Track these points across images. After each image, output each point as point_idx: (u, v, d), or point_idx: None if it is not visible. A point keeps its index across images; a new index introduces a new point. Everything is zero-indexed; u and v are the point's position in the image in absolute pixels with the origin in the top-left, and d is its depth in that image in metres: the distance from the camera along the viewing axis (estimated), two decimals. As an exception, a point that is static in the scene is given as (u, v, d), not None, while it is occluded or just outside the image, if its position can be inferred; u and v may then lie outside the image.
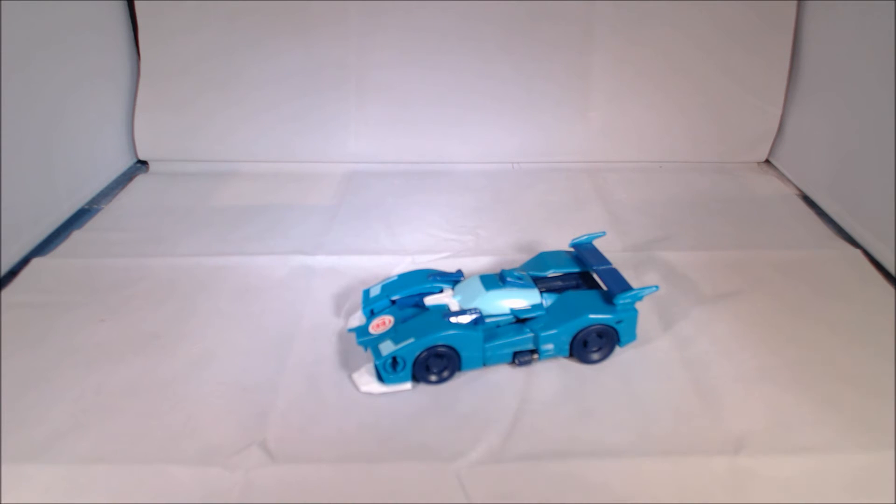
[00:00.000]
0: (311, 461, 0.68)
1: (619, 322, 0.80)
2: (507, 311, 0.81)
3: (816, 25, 1.29)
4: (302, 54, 1.34)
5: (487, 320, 0.80)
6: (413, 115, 1.37)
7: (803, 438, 0.70)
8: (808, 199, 1.24)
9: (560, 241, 0.96)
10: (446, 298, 0.83)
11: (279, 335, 0.86)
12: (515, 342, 0.79)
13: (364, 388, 0.76)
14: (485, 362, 0.79)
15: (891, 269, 1.00)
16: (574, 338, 0.79)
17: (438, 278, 0.86)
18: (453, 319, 0.78)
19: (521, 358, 0.79)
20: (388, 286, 0.86)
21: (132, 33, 1.35)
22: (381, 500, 0.64)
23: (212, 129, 1.36)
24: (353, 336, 0.82)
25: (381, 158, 1.37)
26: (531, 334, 0.79)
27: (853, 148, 1.14)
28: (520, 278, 0.83)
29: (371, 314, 0.84)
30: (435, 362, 0.77)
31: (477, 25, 1.34)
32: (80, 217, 1.17)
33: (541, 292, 0.82)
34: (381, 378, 0.76)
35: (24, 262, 1.01)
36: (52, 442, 0.69)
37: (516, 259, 1.00)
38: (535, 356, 0.80)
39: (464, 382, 0.78)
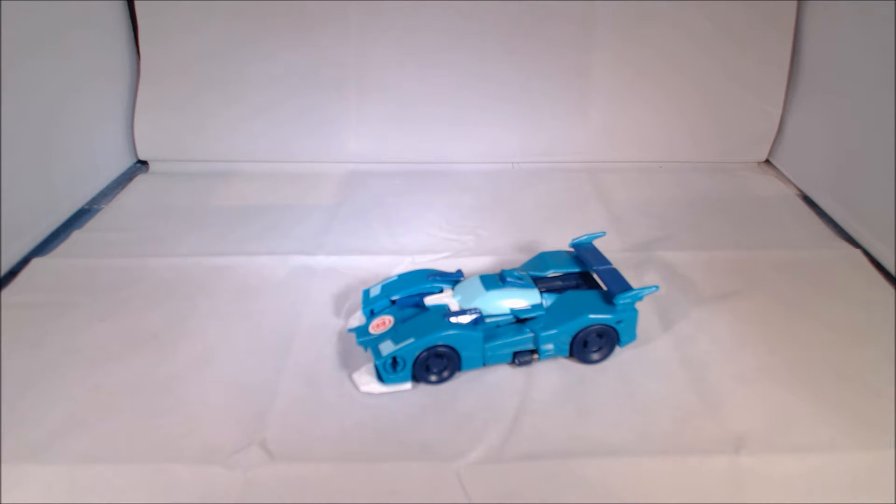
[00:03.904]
0: (311, 460, 0.68)
1: (619, 322, 0.80)
2: (507, 311, 0.81)
3: (816, 25, 1.29)
4: (302, 54, 1.34)
5: (487, 320, 0.80)
6: (413, 115, 1.37)
7: (803, 438, 0.70)
8: (808, 199, 1.24)
9: (560, 241, 0.96)
10: (446, 298, 0.83)
11: (279, 335, 0.86)
12: (515, 342, 0.79)
13: (364, 388, 0.76)
14: (485, 362, 0.79)
15: (891, 269, 1.00)
16: (574, 338, 0.79)
17: (438, 278, 0.86)
18: (453, 319, 0.78)
19: (521, 358, 0.79)
20: (388, 286, 0.86)
21: (132, 33, 1.35)
22: (380, 499, 0.64)
23: (212, 128, 1.36)
24: (353, 336, 0.82)
25: (381, 158, 1.37)
26: (531, 334, 0.79)
27: (853, 148, 1.14)
28: (520, 278, 0.83)
29: (371, 314, 0.84)
30: (435, 362, 0.77)
31: (477, 25, 1.34)
32: (80, 217, 1.17)
33: (541, 292, 0.82)
34: (381, 378, 0.76)
35: (24, 262, 1.01)
36: (52, 442, 0.69)
37: (516, 259, 1.00)
38: (535, 356, 0.80)
39: (464, 382, 0.78)
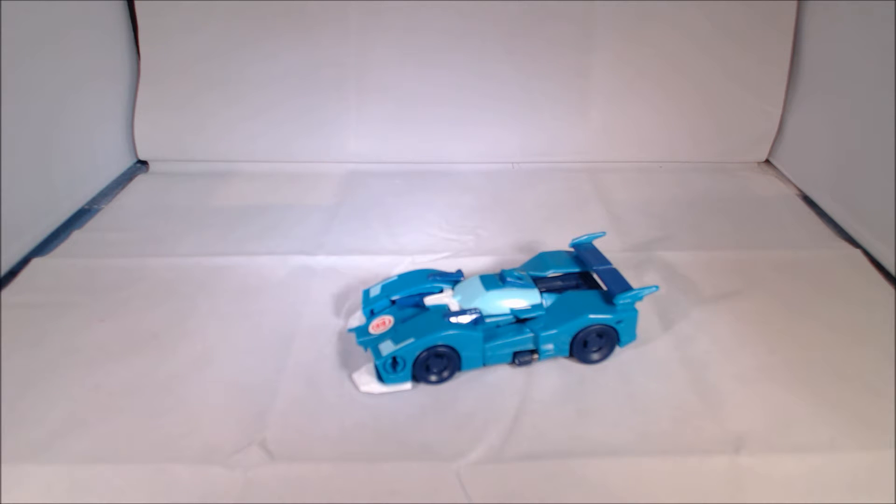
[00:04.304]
0: (311, 460, 0.68)
1: (619, 322, 0.80)
2: (507, 311, 0.81)
3: (816, 25, 1.29)
4: (302, 54, 1.34)
5: (487, 320, 0.80)
6: (413, 115, 1.37)
7: (803, 438, 0.70)
8: (808, 199, 1.24)
9: (560, 241, 0.96)
10: (446, 298, 0.83)
11: (279, 335, 0.86)
12: (515, 342, 0.79)
13: (364, 388, 0.76)
14: (485, 362, 0.79)
15: (891, 269, 1.00)
16: (574, 338, 0.79)
17: (438, 278, 0.86)
18: (453, 319, 0.78)
19: (521, 358, 0.79)
20: (388, 286, 0.86)
21: (132, 33, 1.35)
22: (380, 499, 0.64)
23: (212, 128, 1.36)
24: (353, 336, 0.82)
25: (381, 158, 1.37)
26: (531, 334, 0.79)
27: (853, 148, 1.14)
28: (520, 278, 0.83)
29: (371, 314, 0.84)
30: (435, 362, 0.77)
31: (477, 25, 1.34)
32: (80, 217, 1.17)
33: (541, 292, 0.82)
34: (381, 378, 0.76)
35: (24, 262, 1.01)
36: (52, 442, 0.69)
37: (516, 259, 1.00)
38: (535, 356, 0.80)
39: (464, 382, 0.78)
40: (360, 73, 1.36)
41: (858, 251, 1.05)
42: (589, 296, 0.83)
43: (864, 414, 0.73)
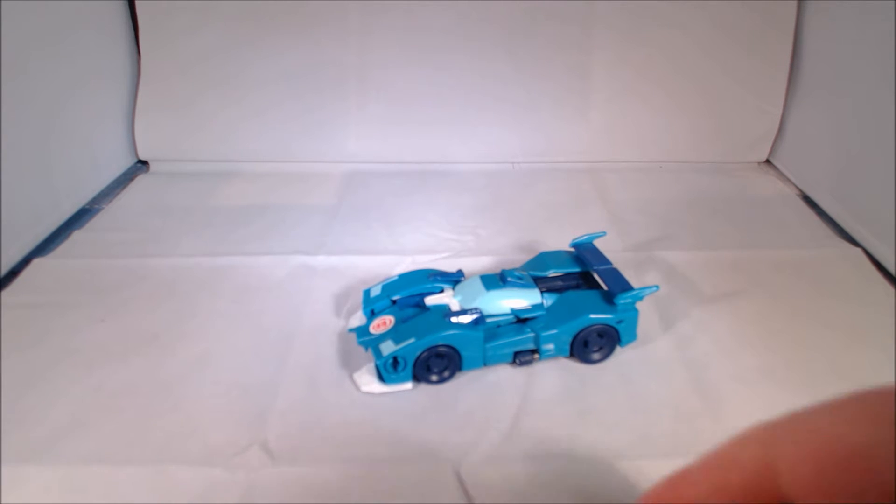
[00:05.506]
0: (312, 461, 0.68)
1: (619, 322, 0.80)
2: (508, 311, 0.81)
3: (816, 25, 1.29)
4: (302, 54, 1.34)
5: (488, 320, 0.80)
6: (413, 115, 1.37)
7: (804, 438, 0.70)
8: (808, 199, 1.24)
9: (560, 241, 0.96)
10: (447, 298, 0.83)
11: (279, 335, 0.86)
12: (516, 342, 0.79)
13: (365, 388, 0.76)
14: (485, 362, 0.79)
15: (891, 269, 1.00)
16: (575, 338, 0.79)
17: (439, 278, 0.86)
18: (454, 319, 0.78)
19: (521, 358, 0.79)
20: (389, 286, 0.86)
21: (132, 33, 1.35)
22: (381, 499, 0.64)
23: (212, 128, 1.36)
24: (353, 336, 0.82)
25: (381, 158, 1.37)
26: (532, 334, 0.79)
27: (853, 148, 1.14)
28: (520, 278, 0.83)
29: (372, 314, 0.84)
30: (436, 362, 0.77)
31: (477, 25, 1.34)
32: (80, 217, 1.17)
33: (541, 292, 0.82)
34: (381, 378, 0.76)
35: (25, 262, 1.01)
36: (52, 442, 0.69)
37: (516, 259, 1.00)
38: (536, 356, 0.80)
39: (464, 382, 0.78)
40: (360, 73, 1.36)
41: (858, 251, 1.05)
42: (589, 296, 0.83)
43: (865, 414, 0.73)
